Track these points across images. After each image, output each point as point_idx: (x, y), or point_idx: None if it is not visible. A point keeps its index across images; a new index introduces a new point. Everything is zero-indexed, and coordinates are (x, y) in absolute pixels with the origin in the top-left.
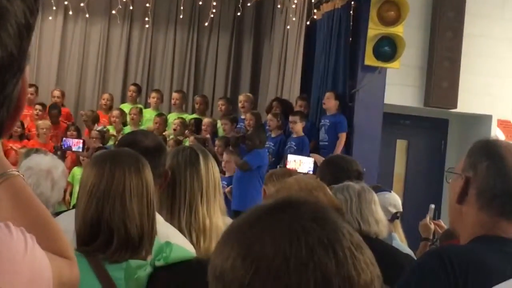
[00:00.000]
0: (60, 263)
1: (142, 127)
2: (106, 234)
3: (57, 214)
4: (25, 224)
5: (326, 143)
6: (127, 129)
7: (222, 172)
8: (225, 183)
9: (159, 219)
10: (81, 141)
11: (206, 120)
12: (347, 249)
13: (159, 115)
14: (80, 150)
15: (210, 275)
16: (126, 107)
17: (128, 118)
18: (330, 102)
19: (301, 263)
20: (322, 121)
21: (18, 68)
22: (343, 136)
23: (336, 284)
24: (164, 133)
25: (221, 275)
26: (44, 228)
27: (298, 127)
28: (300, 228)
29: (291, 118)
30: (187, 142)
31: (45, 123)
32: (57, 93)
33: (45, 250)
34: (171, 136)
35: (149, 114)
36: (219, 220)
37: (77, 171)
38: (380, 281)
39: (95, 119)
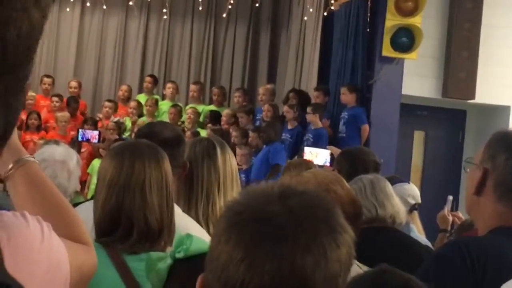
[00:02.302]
0: (77, 249)
1: (158, 119)
2: (126, 226)
3: (74, 205)
4: (41, 210)
5: (344, 135)
6: (143, 120)
7: (240, 166)
8: (243, 175)
9: (178, 210)
10: (97, 132)
11: (226, 112)
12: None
13: (174, 106)
14: (96, 141)
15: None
16: (143, 98)
17: (144, 110)
18: (346, 97)
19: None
20: (342, 113)
21: (37, 43)
22: (365, 129)
23: None
24: (182, 125)
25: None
26: (61, 214)
27: (312, 118)
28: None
29: (307, 109)
30: (204, 133)
31: (65, 115)
32: (74, 84)
33: (62, 236)
34: (188, 127)
35: (165, 106)
36: None
37: (97, 163)
38: None
39: (116, 110)
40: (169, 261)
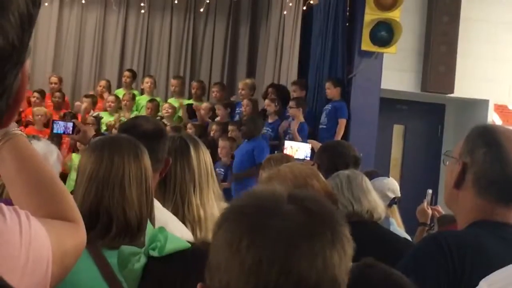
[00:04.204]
0: (61, 230)
1: (135, 113)
2: (105, 221)
3: None
4: (28, 185)
5: (325, 127)
6: (119, 115)
7: (218, 158)
8: (222, 170)
9: (157, 205)
10: (72, 124)
11: (204, 105)
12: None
13: (151, 100)
14: (70, 133)
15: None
16: (121, 92)
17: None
18: (331, 91)
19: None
20: (326, 106)
21: (18, 60)
22: (342, 122)
23: None
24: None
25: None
26: (48, 189)
27: (296, 112)
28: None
29: (290, 103)
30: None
31: (41, 109)
32: (54, 79)
33: (47, 214)
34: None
35: (144, 101)
36: (214, 209)
37: (75, 158)
38: None
39: (95, 104)
40: (143, 259)
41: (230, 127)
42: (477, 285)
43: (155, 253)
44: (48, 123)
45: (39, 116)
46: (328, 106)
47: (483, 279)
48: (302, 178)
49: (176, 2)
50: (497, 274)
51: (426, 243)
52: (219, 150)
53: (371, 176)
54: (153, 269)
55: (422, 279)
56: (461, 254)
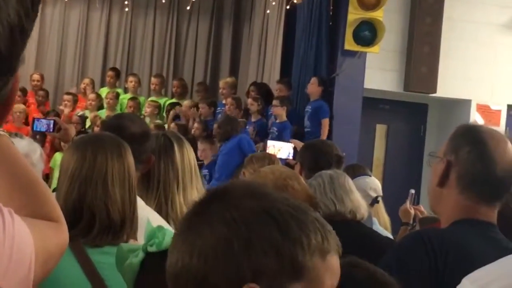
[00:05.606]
0: (44, 229)
1: (118, 111)
2: (88, 219)
3: None
4: (11, 186)
5: (309, 129)
6: (103, 113)
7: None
8: (206, 171)
9: (140, 203)
10: (51, 121)
11: (185, 103)
12: (285, 213)
13: (132, 99)
14: (51, 131)
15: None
16: (105, 91)
17: (104, 103)
18: (313, 88)
19: (244, 238)
20: (306, 107)
21: (8, 69)
22: (325, 122)
23: (285, 247)
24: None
25: (176, 278)
26: (31, 191)
27: (280, 111)
28: (233, 207)
29: (274, 102)
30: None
31: (19, 106)
32: (36, 76)
33: (30, 213)
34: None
35: (127, 99)
36: None
37: (59, 157)
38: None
39: (76, 103)
40: (141, 255)
41: (215, 126)
42: (459, 282)
43: (153, 249)
44: (27, 121)
45: (18, 113)
46: (308, 108)
47: (466, 277)
48: (283, 179)
49: (163, 1)
50: (480, 271)
51: (408, 239)
52: (198, 152)
53: (355, 171)
54: (151, 264)
55: (406, 276)
56: (443, 251)
